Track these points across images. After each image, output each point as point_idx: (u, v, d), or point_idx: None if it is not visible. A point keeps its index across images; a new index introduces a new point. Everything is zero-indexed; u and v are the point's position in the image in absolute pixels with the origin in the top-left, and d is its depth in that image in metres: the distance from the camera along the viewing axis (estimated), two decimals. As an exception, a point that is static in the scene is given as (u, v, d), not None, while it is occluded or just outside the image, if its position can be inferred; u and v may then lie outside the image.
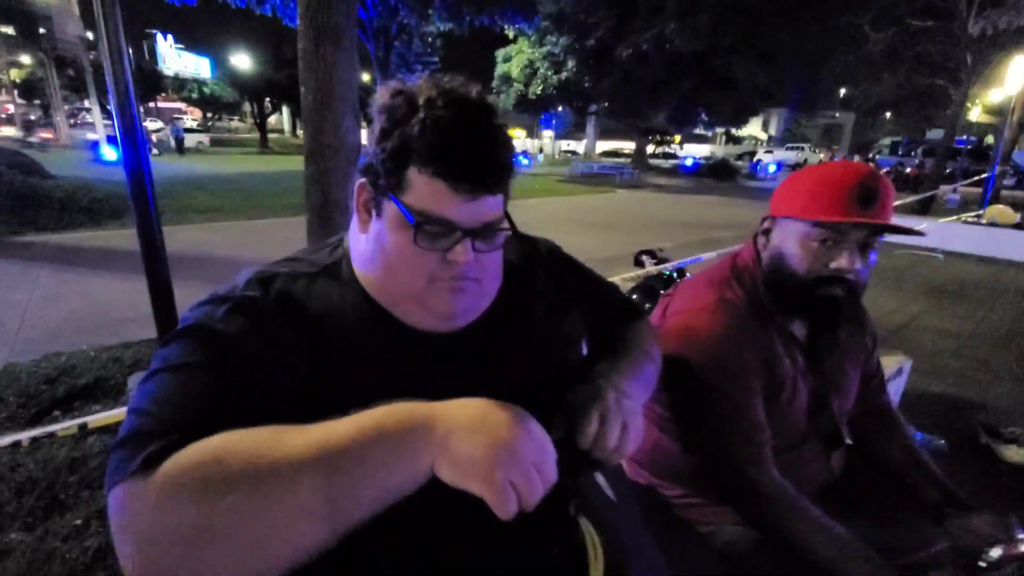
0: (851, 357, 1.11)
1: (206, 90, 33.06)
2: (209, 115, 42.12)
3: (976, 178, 11.09)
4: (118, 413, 1.55)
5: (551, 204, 13.02)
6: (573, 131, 46.65)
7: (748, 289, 1.00)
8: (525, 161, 28.48)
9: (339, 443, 0.45)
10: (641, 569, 0.65)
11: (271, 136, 36.99)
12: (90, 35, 20.21)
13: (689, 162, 27.63)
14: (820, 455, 1.07)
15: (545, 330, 0.73)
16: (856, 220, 0.85)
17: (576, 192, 16.29)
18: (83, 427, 1.35)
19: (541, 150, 43.37)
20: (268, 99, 33.66)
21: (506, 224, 0.63)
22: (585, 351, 0.84)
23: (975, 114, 19.96)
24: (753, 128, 49.49)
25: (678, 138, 44.12)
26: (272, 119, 45.80)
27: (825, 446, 1.07)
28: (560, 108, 28.52)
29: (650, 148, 35.05)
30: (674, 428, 1.05)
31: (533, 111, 25.87)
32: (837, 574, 0.83)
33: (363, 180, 0.62)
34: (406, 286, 0.61)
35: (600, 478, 0.67)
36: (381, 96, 0.60)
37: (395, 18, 12.95)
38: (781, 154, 33.28)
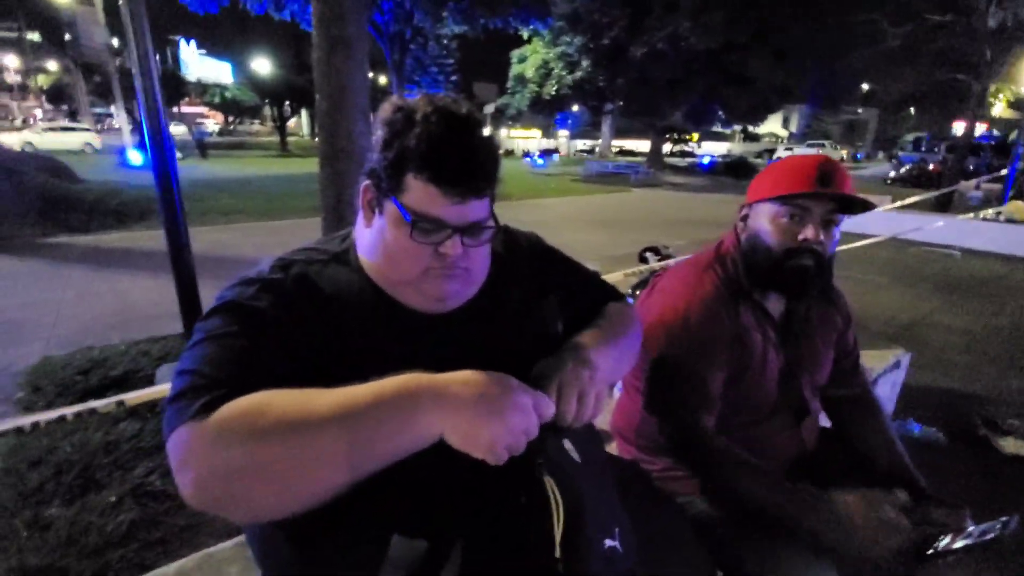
0: (823, 334, 1.20)
1: (227, 94, 33.81)
2: (231, 119, 42.99)
3: (998, 174, 10.83)
4: (154, 390, 1.69)
5: (564, 203, 13.08)
6: (589, 130, 46.46)
7: (728, 270, 1.12)
8: (540, 161, 28.46)
9: (359, 404, 0.53)
10: (598, 524, 0.73)
11: (290, 139, 37.57)
12: (115, 41, 20.85)
13: (706, 160, 27.37)
14: (790, 426, 1.16)
15: (523, 311, 0.84)
16: (816, 191, 0.98)
17: (590, 191, 16.30)
18: (120, 403, 1.49)
19: (556, 150, 43.31)
20: (288, 102, 34.27)
21: (491, 223, 0.73)
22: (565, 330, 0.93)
23: (998, 109, 19.45)
24: (773, 125, 48.79)
25: (695, 136, 43.73)
26: (292, 122, 46.47)
27: (795, 418, 1.16)
28: (575, 108, 28.50)
29: (667, 147, 34.77)
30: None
31: (548, 111, 25.88)
32: (787, 521, 0.93)
33: (367, 182, 0.72)
34: (404, 274, 0.71)
35: (567, 443, 0.75)
36: (383, 111, 0.71)
37: (410, 22, 13.16)
38: (801, 151, 32.73)
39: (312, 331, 0.67)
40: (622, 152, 37.95)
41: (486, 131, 0.70)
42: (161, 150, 2.43)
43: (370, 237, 0.74)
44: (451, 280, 0.72)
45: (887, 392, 2.44)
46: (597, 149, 38.15)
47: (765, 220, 1.05)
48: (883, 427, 1.20)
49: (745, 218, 1.13)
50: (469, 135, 0.68)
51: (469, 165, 0.67)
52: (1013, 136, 15.05)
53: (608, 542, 0.71)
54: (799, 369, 1.15)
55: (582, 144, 45.37)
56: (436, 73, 26.30)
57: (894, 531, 0.89)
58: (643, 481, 1.18)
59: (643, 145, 33.34)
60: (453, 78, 27.82)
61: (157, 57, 2.43)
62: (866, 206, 1.01)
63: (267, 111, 38.89)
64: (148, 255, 6.16)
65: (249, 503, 0.52)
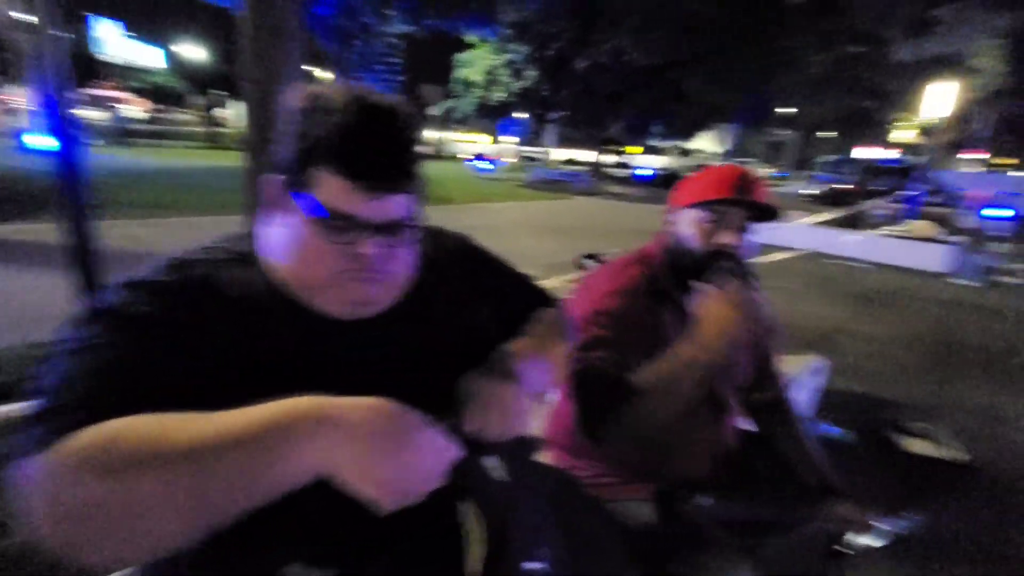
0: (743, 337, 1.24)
1: (155, 80, 31.61)
2: (159, 107, 40.27)
3: (902, 194, 11.94)
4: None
5: (510, 209, 13.13)
6: (534, 138, 47.12)
7: (648, 272, 1.19)
8: (489, 166, 28.46)
9: (220, 437, 0.46)
10: (524, 547, 0.69)
11: (222, 130, 35.63)
12: (22, 16, 18.91)
13: (648, 172, 28.35)
14: (710, 422, 1.20)
15: (451, 317, 0.79)
16: (735, 197, 1.08)
17: (535, 197, 16.47)
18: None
19: (499, 156, 43.49)
20: (220, 92, 32.62)
21: (413, 222, 0.67)
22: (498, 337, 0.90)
23: (903, 135, 21.50)
24: (708, 143, 51.46)
25: (630, 148, 45.30)
26: (224, 113, 44.10)
27: (715, 414, 1.20)
28: (521, 115, 28.78)
29: (611, 159, 35.79)
30: None
31: (493, 116, 26.00)
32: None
33: (274, 175, 0.65)
34: (316, 277, 0.64)
35: (493, 460, 0.70)
36: (294, 99, 0.63)
37: (355, 18, 12.81)
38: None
39: (211, 340, 0.59)
40: (568, 161, 38.75)
41: (413, 126, 0.64)
42: (65, 134, 2.18)
43: (277, 236, 0.66)
44: (368, 283, 0.65)
45: (806, 397, 2.58)
46: (543, 157, 38.72)
47: (687, 225, 1.14)
48: (800, 431, 1.27)
49: (670, 223, 1.20)
50: (387, 126, 0.62)
51: (385, 157, 0.61)
52: (915, 160, 16.69)
53: (534, 565, 0.68)
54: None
55: (529, 151, 45.91)
56: (383, 72, 25.75)
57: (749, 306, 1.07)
58: (575, 489, 1.16)
59: (587, 155, 34.21)
60: (400, 78, 27.34)
61: (67, 35, 2.18)
62: (776, 215, 1.12)
63: (197, 100, 36.86)
64: (53, 249, 5.57)
65: (101, 549, 0.45)
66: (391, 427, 0.51)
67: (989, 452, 2.72)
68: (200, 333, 0.59)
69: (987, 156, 15.18)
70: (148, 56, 31.65)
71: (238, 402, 0.49)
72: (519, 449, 0.79)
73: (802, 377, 2.39)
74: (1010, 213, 13.16)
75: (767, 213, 1.11)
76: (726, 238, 1.09)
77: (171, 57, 31.77)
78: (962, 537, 2.10)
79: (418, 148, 0.66)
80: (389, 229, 0.64)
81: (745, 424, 1.29)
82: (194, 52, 29.65)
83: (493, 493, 0.67)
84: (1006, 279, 7.64)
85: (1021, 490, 2.43)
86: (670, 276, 1.17)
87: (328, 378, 0.54)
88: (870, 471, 2.47)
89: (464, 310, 0.81)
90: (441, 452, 0.54)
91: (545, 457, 1.25)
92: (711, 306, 1.05)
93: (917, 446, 2.62)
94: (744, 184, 1.09)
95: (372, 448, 0.49)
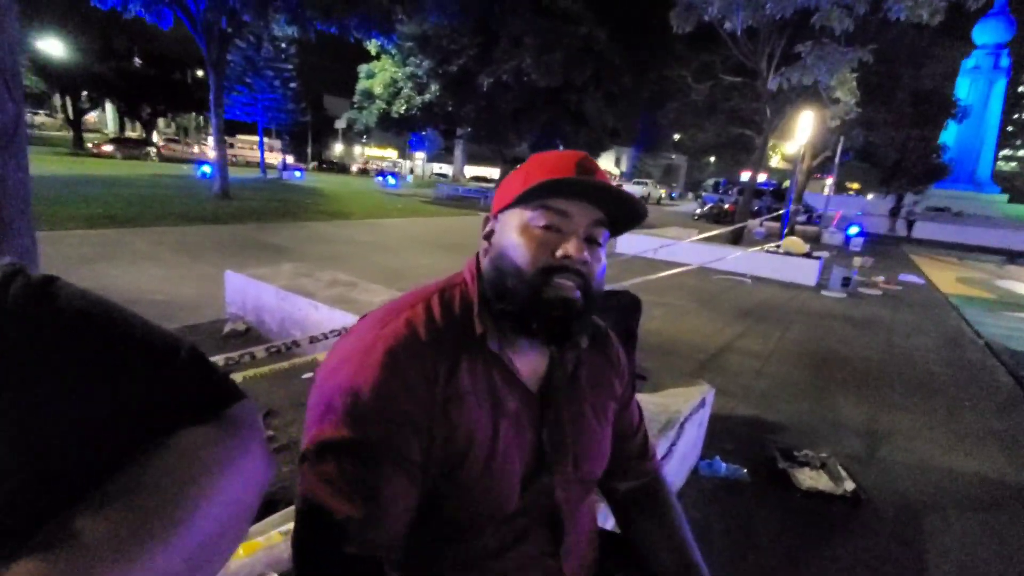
0: (595, 403, 0.82)
1: None
2: None
3: (776, 214, 12.96)
4: None
5: (408, 224, 12.51)
6: (444, 154, 46.79)
7: (443, 307, 0.72)
8: (392, 181, 27.71)
9: None
10: None
11: (89, 135, 31.63)
12: None
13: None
14: (545, 554, 0.74)
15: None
16: (578, 177, 0.69)
17: (439, 214, 16.01)
18: None
19: (412, 171, 42.75)
20: (86, 93, 28.97)
21: None
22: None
23: (775, 160, 23.82)
24: (607, 164, 54.18)
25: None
26: (91, 116, 39.31)
27: (551, 536, 0.75)
28: (425, 130, 28.31)
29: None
30: None
31: (397, 130, 25.33)
32: None
33: None
34: None
35: None
36: None
37: (231, 16, 11.63)
38: (629, 188, 36.74)
39: None
40: (477, 179, 38.77)
41: None
42: None
43: None
44: None
45: (694, 433, 2.31)
46: (451, 173, 38.36)
47: (513, 232, 0.71)
48: (674, 526, 0.86)
49: (490, 235, 0.75)
50: None
51: None
52: (787, 183, 18.42)
53: None
54: (555, 459, 0.74)
55: (438, 168, 45.47)
56: (272, 78, 24.10)
57: None
58: None
59: (496, 172, 34.39)
60: (292, 85, 25.76)
61: None
62: (637, 211, 0.72)
63: (58, 101, 32.44)
64: None
65: None
66: None
67: (874, 478, 2.61)
68: None
69: (836, 180, 17.21)
70: None
71: None
72: None
73: (692, 412, 2.10)
74: (856, 230, 14.98)
75: (626, 217, 0.72)
76: (568, 249, 0.67)
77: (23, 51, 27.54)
78: (858, 588, 1.89)
79: None
80: None
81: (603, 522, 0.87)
82: (54, 47, 25.77)
83: None
84: (865, 291, 8.37)
85: (910, 519, 2.31)
86: (496, 315, 0.72)
87: None
88: (763, 513, 2.24)
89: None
90: None
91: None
92: None
93: (808, 479, 2.44)
94: (587, 169, 0.70)
95: None
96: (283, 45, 21.17)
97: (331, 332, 2.08)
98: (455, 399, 0.67)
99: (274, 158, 28.77)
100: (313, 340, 2.05)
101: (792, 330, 5.56)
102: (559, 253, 0.67)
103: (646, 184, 37.70)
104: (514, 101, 20.41)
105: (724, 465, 2.44)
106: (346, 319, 2.93)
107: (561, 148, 25.94)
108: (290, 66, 24.57)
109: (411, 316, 0.70)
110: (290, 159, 31.27)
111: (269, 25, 12.04)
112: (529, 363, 0.75)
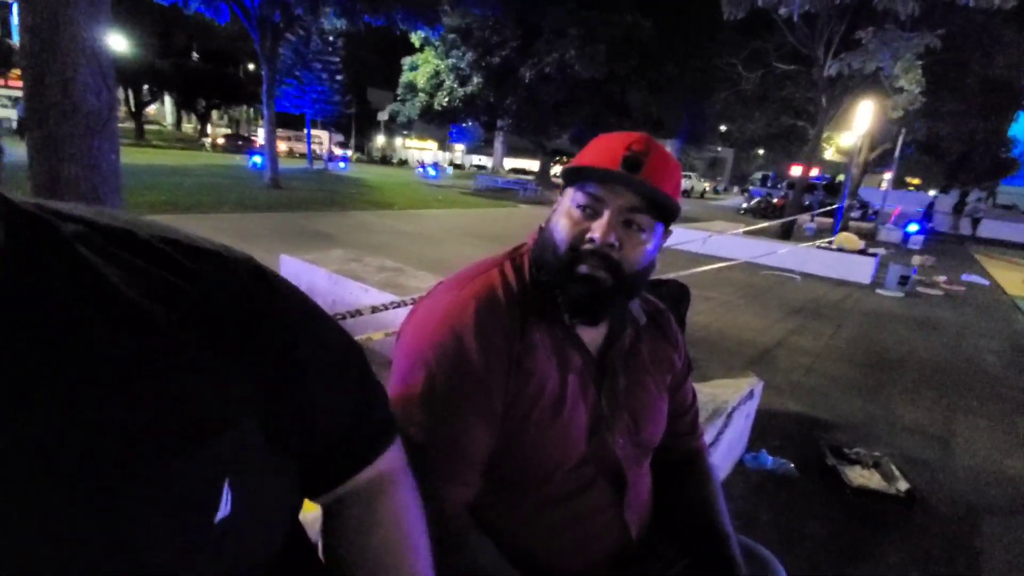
0: (655, 377, 0.87)
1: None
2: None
3: (829, 208, 12.43)
4: None
5: (449, 215, 12.68)
6: (483, 146, 46.98)
7: (518, 272, 0.80)
8: (433, 172, 28.02)
9: None
10: None
11: (150, 127, 33.58)
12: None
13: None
14: (609, 504, 0.79)
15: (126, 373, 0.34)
16: (615, 171, 0.70)
17: (478, 205, 16.11)
18: None
19: (452, 163, 43.16)
20: (148, 87, 30.71)
21: None
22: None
23: (828, 153, 22.79)
24: (649, 156, 53.10)
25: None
26: (151, 109, 41.54)
27: (614, 490, 0.80)
28: (468, 122, 28.50)
29: (559, 169, 36.07)
30: None
31: (440, 122, 25.58)
32: None
33: None
34: None
35: None
36: None
37: (286, 10, 12.02)
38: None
39: None
40: (516, 171, 38.71)
41: None
42: None
43: None
44: None
45: (741, 424, 2.28)
46: (490, 165, 38.54)
47: (561, 209, 0.76)
48: (708, 493, 0.90)
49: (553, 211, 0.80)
50: None
51: None
52: (841, 177, 17.62)
53: None
54: (615, 418, 0.79)
55: (479, 160, 45.65)
56: (319, 70, 24.74)
57: None
58: None
59: (535, 165, 34.30)
60: (338, 77, 26.37)
61: None
62: (671, 206, 0.72)
63: (121, 94, 34.59)
64: None
65: None
66: None
67: (931, 479, 2.52)
68: None
69: (896, 175, 16.29)
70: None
71: None
72: None
73: (739, 403, 2.09)
74: (915, 228, 14.16)
75: (665, 207, 0.72)
76: (594, 232, 0.70)
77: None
78: (913, 587, 1.84)
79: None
80: None
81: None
82: (117, 43, 27.36)
83: None
84: (925, 290, 7.95)
85: (966, 522, 2.22)
86: (537, 283, 0.78)
87: None
88: (811, 507, 2.20)
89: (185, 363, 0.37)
90: None
91: None
92: None
93: (859, 477, 2.37)
94: (638, 158, 0.70)
95: None
96: (331, 38, 21.65)
97: (390, 303, 2.15)
98: (528, 351, 0.73)
99: (323, 149, 29.65)
100: (375, 310, 2.13)
101: (845, 328, 5.36)
102: (588, 235, 0.72)
103: (689, 177, 36.70)
104: (556, 93, 20.27)
105: (771, 459, 2.41)
106: (391, 299, 3.03)
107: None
108: (337, 59, 25.14)
109: (487, 279, 0.77)
110: (339, 150, 32.18)
111: (319, 18, 12.36)
112: (588, 331, 0.80)
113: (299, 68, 23.75)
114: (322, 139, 31.16)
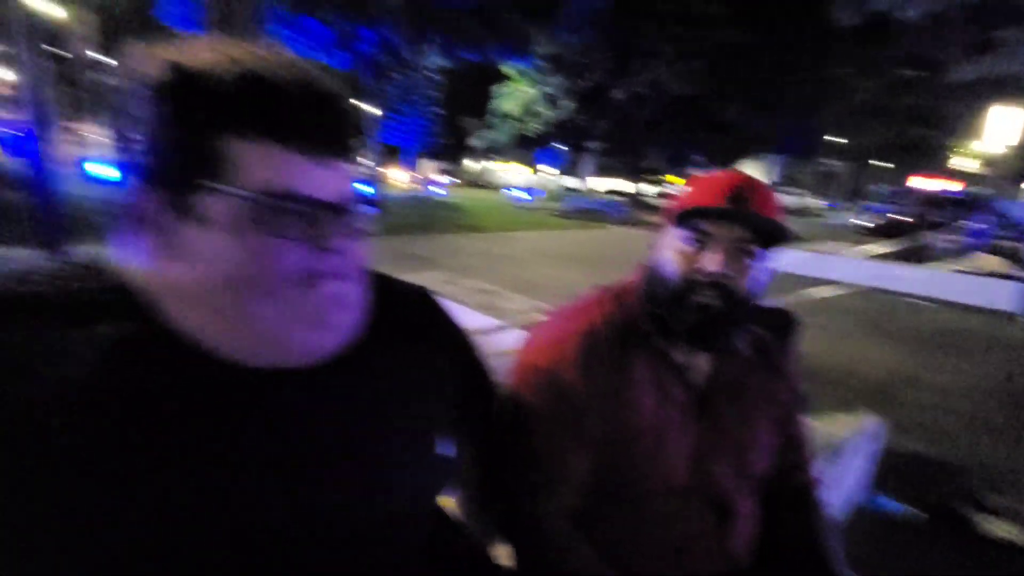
0: (763, 409, 0.89)
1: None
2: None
3: (965, 226, 11.02)
4: None
5: (538, 237, 12.90)
6: (572, 168, 47.31)
7: (622, 307, 0.87)
8: (526, 196, 28.60)
9: None
10: None
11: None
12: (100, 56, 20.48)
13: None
14: (712, 532, 0.83)
15: (395, 392, 0.58)
16: (724, 208, 0.76)
17: (567, 227, 16.20)
18: None
19: (544, 186, 43.89)
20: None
21: (362, 202, 0.50)
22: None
23: (961, 163, 20.23)
24: (755, 172, 50.13)
25: (670, 178, 44.89)
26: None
27: (716, 516, 0.83)
28: (558, 146, 28.94)
29: (652, 188, 35.33)
30: None
31: (530, 147, 26.23)
32: None
33: (140, 185, 0.45)
34: (250, 297, 0.45)
35: None
36: (138, 71, 0.43)
37: (392, 53, 13.16)
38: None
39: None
40: (608, 191, 38.44)
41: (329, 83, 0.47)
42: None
43: (174, 263, 0.46)
44: (333, 302, 0.49)
45: (858, 465, 2.12)
46: (580, 187, 38.68)
47: (667, 246, 0.83)
48: (820, 532, 0.89)
49: (654, 247, 0.87)
50: (304, 74, 0.44)
51: (321, 109, 0.45)
52: (977, 191, 15.56)
53: None
54: (719, 449, 0.84)
55: (569, 182, 46.01)
56: (420, 103, 26.51)
57: None
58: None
59: (628, 186, 33.92)
60: (438, 109, 28.06)
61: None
62: (781, 233, 0.78)
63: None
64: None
65: None
66: None
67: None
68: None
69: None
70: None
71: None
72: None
73: (854, 441, 1.95)
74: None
75: (774, 235, 0.78)
76: (705, 263, 0.76)
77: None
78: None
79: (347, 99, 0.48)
80: (343, 211, 0.48)
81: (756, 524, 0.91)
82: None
83: None
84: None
85: None
86: (648, 317, 0.84)
87: (251, 454, 0.45)
88: (939, 558, 1.99)
89: (412, 387, 0.60)
90: None
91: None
92: None
93: (998, 528, 2.10)
94: (741, 193, 0.76)
95: None
96: (433, 75, 23.21)
97: (492, 327, 2.29)
98: (627, 383, 0.81)
99: (424, 177, 31.57)
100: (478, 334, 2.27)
101: (985, 363, 4.72)
102: (698, 266, 0.77)
103: (801, 195, 34.13)
104: (649, 112, 20.07)
105: (895, 504, 2.20)
106: (491, 323, 3.18)
107: (700, 158, 24.83)
108: (436, 93, 26.83)
109: (594, 314, 0.85)
110: (441, 177, 34.03)
111: (422, 56, 13.37)
112: (694, 363, 0.85)
113: (401, 103, 25.65)
114: (423, 167, 33.14)
